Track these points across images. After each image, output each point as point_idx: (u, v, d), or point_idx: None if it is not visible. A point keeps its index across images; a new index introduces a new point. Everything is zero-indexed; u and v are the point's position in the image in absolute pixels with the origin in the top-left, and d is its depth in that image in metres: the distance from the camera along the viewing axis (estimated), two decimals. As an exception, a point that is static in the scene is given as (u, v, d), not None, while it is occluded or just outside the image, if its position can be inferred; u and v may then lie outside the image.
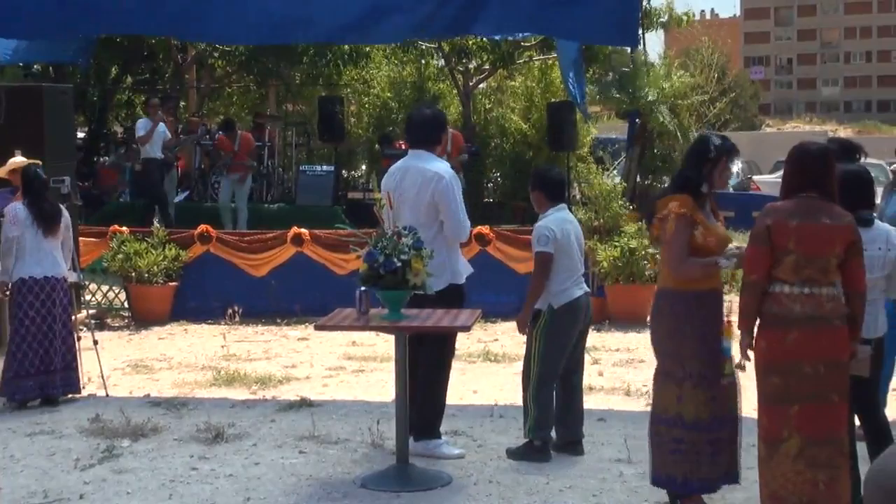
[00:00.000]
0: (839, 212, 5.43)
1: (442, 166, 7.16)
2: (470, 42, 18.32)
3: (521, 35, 15.10)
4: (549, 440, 7.02)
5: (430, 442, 7.09)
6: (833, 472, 5.36)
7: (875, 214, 6.31)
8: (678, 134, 16.01)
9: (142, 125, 16.16)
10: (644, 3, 17.54)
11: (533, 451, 6.95)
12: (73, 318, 9.01)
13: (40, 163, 9.13)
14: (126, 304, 12.93)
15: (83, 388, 8.93)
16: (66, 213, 8.92)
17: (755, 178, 26.59)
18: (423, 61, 20.80)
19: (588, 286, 7.37)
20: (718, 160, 5.90)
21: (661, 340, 5.94)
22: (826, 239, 5.37)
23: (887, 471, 1.83)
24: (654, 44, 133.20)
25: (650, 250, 12.27)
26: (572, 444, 7.11)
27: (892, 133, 65.36)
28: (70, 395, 8.79)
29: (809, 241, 5.36)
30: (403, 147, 15.78)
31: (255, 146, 17.61)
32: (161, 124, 16.38)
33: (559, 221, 7.06)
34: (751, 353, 5.57)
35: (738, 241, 6.43)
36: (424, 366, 7.11)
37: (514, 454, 7.01)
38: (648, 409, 8.34)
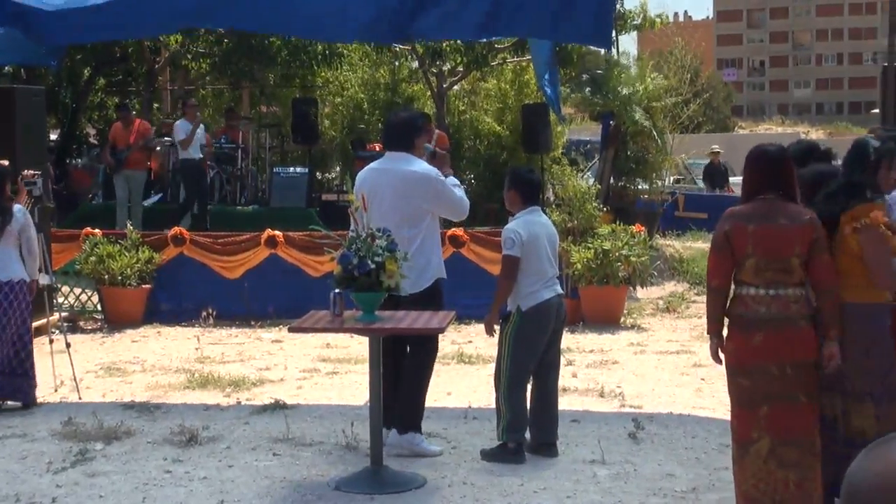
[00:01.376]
0: (798, 211, 5.44)
1: (423, 166, 7.26)
2: (443, 44, 18.31)
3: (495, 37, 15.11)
4: (523, 442, 7.03)
5: (414, 436, 7.16)
6: (803, 472, 5.39)
7: None
8: (654, 135, 16.05)
9: (181, 127, 15.94)
10: (618, 5, 17.57)
11: (507, 453, 6.96)
12: (45, 321, 8.92)
13: (6, 163, 8.98)
14: (99, 307, 12.88)
15: (36, 399, 8.61)
16: (20, 216, 8.50)
17: (728, 179, 26.65)
18: (396, 63, 20.78)
19: (562, 288, 7.38)
20: (879, 163, 5.87)
21: (857, 360, 5.48)
22: (784, 240, 5.38)
23: (856, 480, 1.82)
24: (627, 45, 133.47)
25: (623, 252, 12.31)
26: (546, 446, 7.12)
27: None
28: (16, 403, 8.49)
29: (767, 244, 5.38)
30: (378, 149, 15.77)
31: (153, 135, 17.18)
32: (201, 125, 16.27)
33: (527, 224, 7.07)
34: (721, 357, 5.62)
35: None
36: (410, 365, 7.22)
37: (489, 456, 7.01)
38: (622, 410, 8.40)
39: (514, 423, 6.96)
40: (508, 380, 7.01)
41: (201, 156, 16.21)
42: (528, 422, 7.07)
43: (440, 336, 7.63)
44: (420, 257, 6.97)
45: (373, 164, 7.40)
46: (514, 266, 6.99)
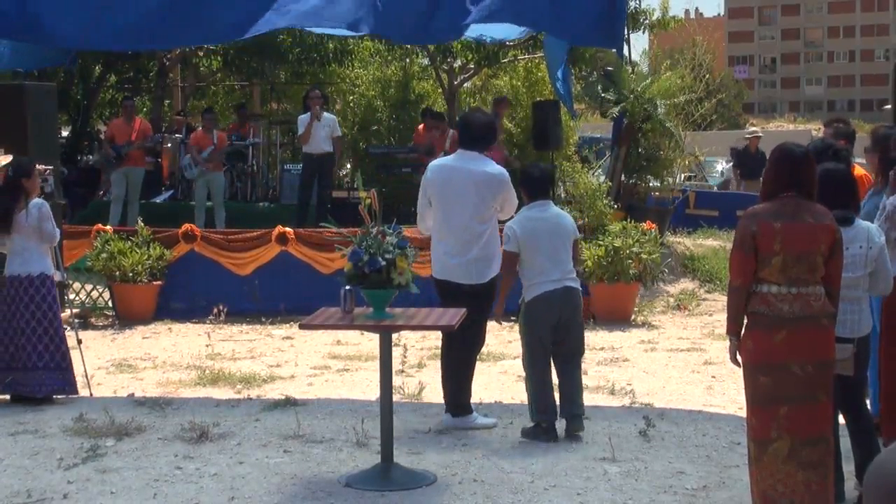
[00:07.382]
0: (821, 210, 5.48)
1: (498, 168, 7.77)
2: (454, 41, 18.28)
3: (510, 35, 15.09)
4: (554, 419, 7.36)
5: (466, 418, 7.69)
6: (823, 472, 5.39)
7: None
8: (669, 132, 15.97)
9: (301, 122, 15.56)
10: (633, 4, 17.54)
11: (539, 432, 7.33)
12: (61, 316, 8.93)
13: (10, 157, 8.96)
14: (110, 304, 12.89)
15: (67, 389, 8.68)
16: (34, 211, 8.47)
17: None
18: (407, 60, 20.77)
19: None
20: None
21: None
22: (810, 237, 5.40)
23: (887, 469, 1.81)
24: (641, 43, 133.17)
25: (634, 249, 12.28)
26: (572, 418, 7.39)
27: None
28: (56, 397, 8.62)
29: (795, 241, 5.38)
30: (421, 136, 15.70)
31: (152, 136, 16.88)
32: (327, 116, 15.72)
33: (524, 220, 7.43)
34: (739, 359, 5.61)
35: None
36: (459, 351, 7.68)
37: (526, 433, 7.38)
38: (633, 407, 8.39)
39: (539, 405, 7.34)
40: (525, 365, 7.48)
41: (329, 149, 15.54)
42: (553, 403, 7.39)
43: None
44: (487, 250, 7.47)
45: (446, 161, 7.84)
46: (510, 260, 7.39)
